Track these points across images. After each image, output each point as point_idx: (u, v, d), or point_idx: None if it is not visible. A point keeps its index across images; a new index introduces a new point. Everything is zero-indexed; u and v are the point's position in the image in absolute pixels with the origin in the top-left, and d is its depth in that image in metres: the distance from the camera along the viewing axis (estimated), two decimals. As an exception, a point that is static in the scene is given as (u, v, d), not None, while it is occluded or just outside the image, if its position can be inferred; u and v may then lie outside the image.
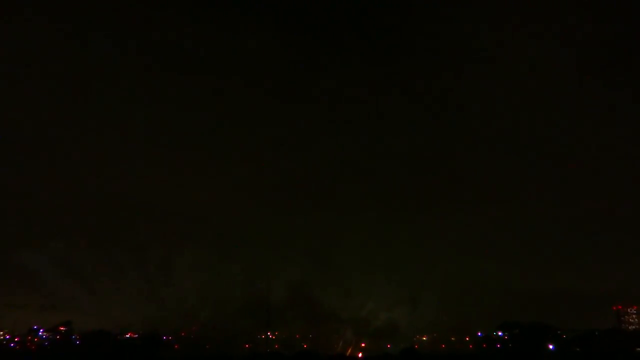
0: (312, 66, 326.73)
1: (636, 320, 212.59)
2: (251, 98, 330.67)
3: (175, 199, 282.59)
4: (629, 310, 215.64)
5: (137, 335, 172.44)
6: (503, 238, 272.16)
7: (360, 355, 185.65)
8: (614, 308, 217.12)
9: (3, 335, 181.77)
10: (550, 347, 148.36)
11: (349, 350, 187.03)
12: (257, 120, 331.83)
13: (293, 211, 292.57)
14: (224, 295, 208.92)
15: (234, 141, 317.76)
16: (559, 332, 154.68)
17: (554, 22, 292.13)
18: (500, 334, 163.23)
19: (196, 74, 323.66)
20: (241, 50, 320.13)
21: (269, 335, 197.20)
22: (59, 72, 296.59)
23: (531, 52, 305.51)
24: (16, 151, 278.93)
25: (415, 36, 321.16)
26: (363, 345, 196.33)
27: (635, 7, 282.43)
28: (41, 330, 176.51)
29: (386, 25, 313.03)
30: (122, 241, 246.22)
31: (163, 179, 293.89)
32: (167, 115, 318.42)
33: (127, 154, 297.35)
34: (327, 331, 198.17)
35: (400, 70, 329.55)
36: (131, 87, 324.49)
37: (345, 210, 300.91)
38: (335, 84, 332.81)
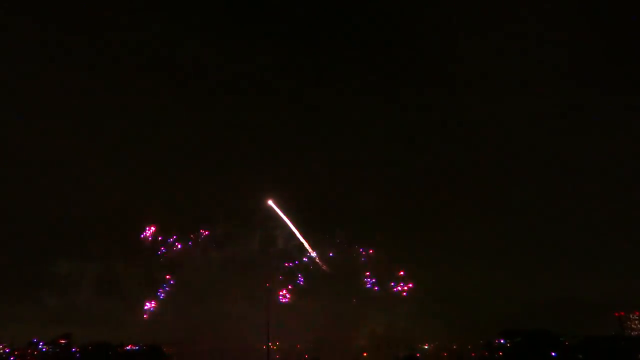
0: (321, 75, 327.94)
1: (639, 326, 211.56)
2: (261, 106, 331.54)
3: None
4: (631, 316, 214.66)
5: (137, 348, 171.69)
6: (504, 246, 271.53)
7: None
8: (616, 314, 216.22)
9: (2, 349, 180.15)
10: (553, 354, 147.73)
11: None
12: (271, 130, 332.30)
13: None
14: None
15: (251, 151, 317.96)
16: (561, 339, 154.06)
17: (550, 24, 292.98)
18: (502, 341, 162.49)
19: (203, 84, 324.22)
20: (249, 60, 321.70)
21: (269, 346, 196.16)
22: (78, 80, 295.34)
23: (530, 55, 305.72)
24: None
25: (414, 44, 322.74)
26: (365, 354, 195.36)
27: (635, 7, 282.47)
28: (41, 343, 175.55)
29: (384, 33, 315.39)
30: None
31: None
32: (188, 131, 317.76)
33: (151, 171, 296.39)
34: (330, 341, 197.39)
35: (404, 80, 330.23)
36: (149, 101, 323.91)
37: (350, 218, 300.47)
38: (345, 93, 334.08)
